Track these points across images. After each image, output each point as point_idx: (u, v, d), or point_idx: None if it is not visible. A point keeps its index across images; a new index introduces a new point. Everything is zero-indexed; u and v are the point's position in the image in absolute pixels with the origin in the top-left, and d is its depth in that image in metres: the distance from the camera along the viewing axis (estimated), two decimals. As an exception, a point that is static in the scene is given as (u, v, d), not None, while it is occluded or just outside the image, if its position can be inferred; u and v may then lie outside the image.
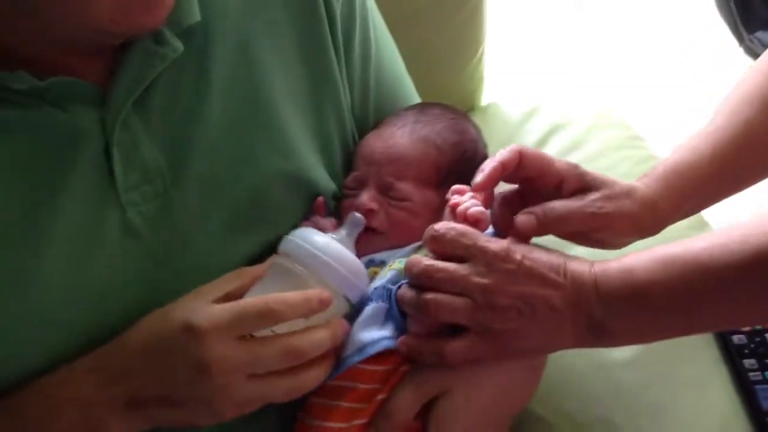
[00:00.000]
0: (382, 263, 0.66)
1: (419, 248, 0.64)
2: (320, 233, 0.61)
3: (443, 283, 0.57)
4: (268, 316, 0.54)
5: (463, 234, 0.58)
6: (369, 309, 0.61)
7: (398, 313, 0.60)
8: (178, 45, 0.58)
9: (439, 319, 0.58)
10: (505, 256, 0.57)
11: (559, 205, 0.61)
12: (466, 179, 0.70)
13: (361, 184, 0.69)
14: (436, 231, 0.59)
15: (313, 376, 0.57)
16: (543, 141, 1.10)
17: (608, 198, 0.62)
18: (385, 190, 0.68)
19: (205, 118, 0.60)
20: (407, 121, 0.70)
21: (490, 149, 1.07)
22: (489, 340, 0.57)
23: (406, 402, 0.60)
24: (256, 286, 0.59)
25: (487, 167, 0.60)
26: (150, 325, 0.56)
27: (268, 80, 0.64)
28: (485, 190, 0.61)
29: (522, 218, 0.60)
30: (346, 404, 0.60)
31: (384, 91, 0.75)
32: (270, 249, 0.64)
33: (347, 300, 0.61)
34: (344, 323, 0.59)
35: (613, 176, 1.04)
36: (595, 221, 0.61)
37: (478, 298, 0.56)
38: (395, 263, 0.64)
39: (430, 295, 0.57)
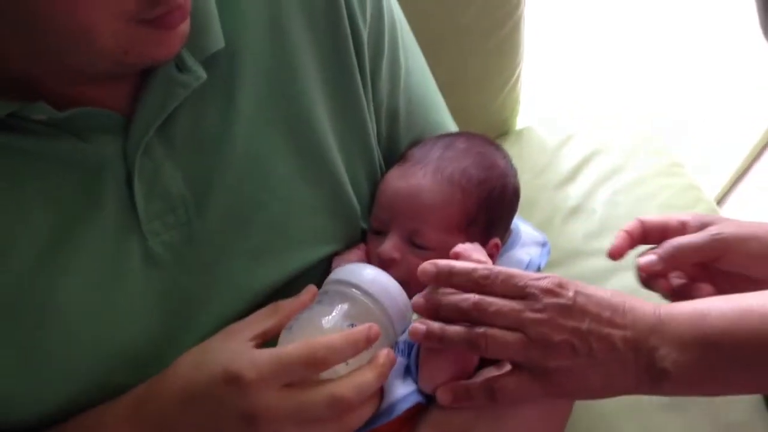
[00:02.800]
0: None
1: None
2: (370, 265, 0.60)
3: (496, 318, 0.54)
4: (314, 364, 0.52)
5: (512, 276, 0.56)
6: None
7: (415, 370, 0.58)
8: (202, 73, 0.57)
9: (489, 354, 0.55)
10: (558, 292, 0.54)
11: (677, 239, 0.63)
12: (496, 217, 0.67)
13: (385, 227, 0.67)
14: (483, 275, 0.56)
15: (359, 417, 0.55)
16: (580, 167, 1.08)
17: (725, 225, 0.63)
18: (408, 238, 0.65)
19: (230, 145, 0.59)
20: (431, 158, 0.67)
21: (525, 175, 1.05)
22: (542, 378, 0.54)
23: None
24: (307, 312, 0.57)
25: (615, 238, 0.66)
26: (185, 371, 0.54)
27: (298, 106, 0.63)
28: (618, 257, 0.66)
29: (642, 258, 0.64)
30: None
31: (414, 118, 0.73)
32: (294, 279, 0.62)
33: (394, 332, 0.59)
34: (392, 356, 0.56)
35: (652, 205, 1.04)
36: (713, 247, 0.62)
37: (532, 333, 0.53)
38: (415, 314, 0.61)
39: (481, 329, 0.54)
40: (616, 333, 0.53)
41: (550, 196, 1.04)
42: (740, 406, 0.78)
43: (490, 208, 0.66)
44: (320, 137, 0.64)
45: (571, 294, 0.54)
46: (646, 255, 0.64)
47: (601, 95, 1.70)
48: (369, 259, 0.66)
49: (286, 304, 0.59)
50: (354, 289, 0.58)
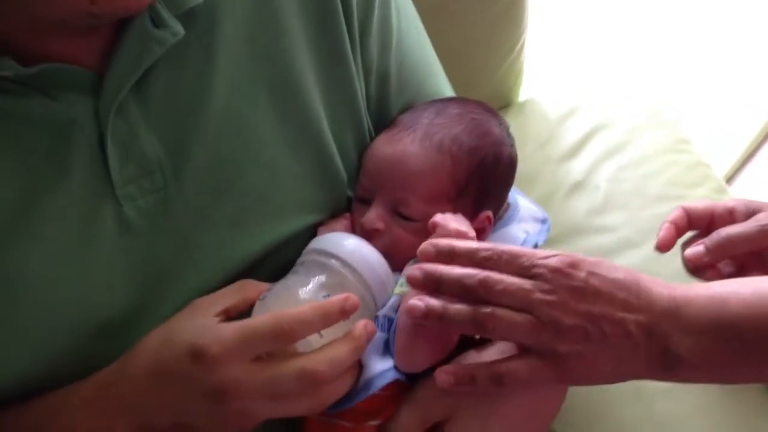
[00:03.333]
0: None
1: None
2: (352, 235, 0.58)
3: (503, 297, 0.51)
4: (282, 336, 0.49)
5: (519, 255, 0.52)
6: None
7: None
8: (179, 28, 0.54)
9: (495, 336, 0.52)
10: (569, 273, 0.51)
11: (725, 229, 0.61)
12: (488, 188, 0.63)
13: (370, 195, 0.63)
14: (486, 256, 0.53)
15: (333, 392, 0.52)
16: (583, 141, 1.04)
17: None
18: (393, 208, 0.62)
19: (209, 107, 0.57)
20: (420, 124, 0.64)
21: (526, 148, 1.03)
22: (552, 363, 0.51)
23: (408, 428, 0.56)
24: (281, 282, 0.55)
25: (660, 230, 0.64)
26: (152, 349, 0.52)
27: (281, 66, 0.60)
28: (667, 250, 0.64)
29: (689, 250, 0.62)
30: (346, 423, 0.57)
31: (406, 82, 0.69)
32: (274, 249, 0.60)
33: (375, 305, 0.56)
34: (371, 328, 0.54)
35: (658, 182, 1.01)
36: (763, 237, 0.60)
37: (542, 316, 0.50)
38: (396, 287, 0.58)
39: (488, 309, 0.51)
40: (630, 317, 0.50)
41: (552, 171, 1.01)
42: (743, 392, 0.75)
43: (482, 177, 0.63)
44: (305, 100, 0.61)
45: (583, 275, 0.51)
46: (693, 246, 0.62)
47: (608, 67, 1.66)
48: (354, 229, 0.63)
49: (255, 283, 0.56)
50: (333, 260, 0.55)
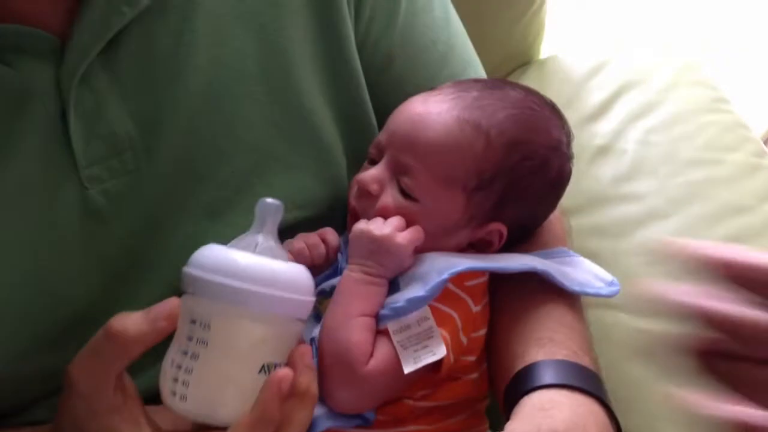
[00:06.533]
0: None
1: None
2: (226, 249, 0.46)
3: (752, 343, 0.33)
4: None
5: None
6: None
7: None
8: None
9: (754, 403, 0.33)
10: None
11: None
12: (519, 194, 0.54)
13: (379, 156, 0.56)
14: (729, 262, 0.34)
15: None
16: (610, 101, 0.98)
17: None
18: (397, 177, 0.54)
19: (185, 79, 0.52)
20: (467, 94, 0.55)
21: (548, 109, 0.97)
22: None
23: None
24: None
25: None
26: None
27: (271, 35, 0.54)
28: None
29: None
30: None
31: (412, 59, 0.61)
32: None
33: (299, 320, 0.47)
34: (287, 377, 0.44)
35: (690, 146, 0.93)
36: None
37: None
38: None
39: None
40: None
41: (575, 134, 0.91)
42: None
43: (515, 179, 0.54)
44: (299, 78, 0.55)
45: None
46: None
47: (639, 19, 1.59)
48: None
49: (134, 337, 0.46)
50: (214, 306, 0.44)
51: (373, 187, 0.53)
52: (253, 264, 0.44)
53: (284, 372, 0.43)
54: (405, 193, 0.53)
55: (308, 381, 0.45)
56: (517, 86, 0.58)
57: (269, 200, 0.46)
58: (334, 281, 0.53)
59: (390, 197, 0.53)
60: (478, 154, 0.53)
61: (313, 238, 0.56)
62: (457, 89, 0.56)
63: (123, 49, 0.50)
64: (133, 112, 0.51)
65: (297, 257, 0.54)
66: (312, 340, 0.51)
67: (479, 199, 0.53)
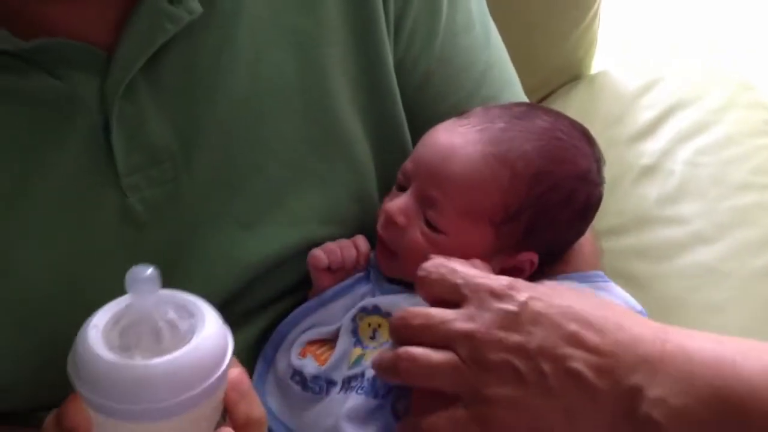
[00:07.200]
0: (377, 310, 0.53)
1: None
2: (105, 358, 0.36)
3: (421, 333, 0.43)
4: None
5: (453, 271, 0.45)
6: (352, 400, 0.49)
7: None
8: (195, 6, 0.50)
9: (412, 382, 0.44)
10: (503, 295, 0.43)
11: None
12: (548, 224, 0.54)
13: (407, 183, 0.56)
14: (422, 270, 0.46)
15: None
16: (661, 120, 0.97)
17: None
18: (424, 206, 0.54)
19: (226, 94, 0.53)
20: (492, 124, 0.55)
21: (595, 126, 0.91)
22: (477, 414, 0.42)
23: None
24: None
25: None
26: None
27: (311, 54, 0.55)
28: None
29: None
30: None
31: (450, 79, 0.61)
32: (289, 258, 0.56)
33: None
34: None
35: (741, 169, 0.92)
36: None
37: (462, 351, 0.42)
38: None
39: (401, 349, 0.43)
40: (578, 354, 0.41)
41: (620, 152, 0.93)
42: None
43: (541, 211, 0.53)
44: (336, 99, 0.56)
45: (521, 298, 0.42)
46: None
47: (694, 36, 1.56)
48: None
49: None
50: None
51: (400, 219, 0.54)
52: (136, 378, 0.35)
53: None
54: (431, 226, 0.54)
55: (245, 414, 0.39)
56: (546, 113, 0.58)
57: (136, 270, 0.38)
58: (375, 300, 0.54)
59: (418, 231, 0.54)
60: (503, 187, 0.53)
61: (345, 241, 0.57)
62: (485, 119, 0.56)
63: (165, 63, 0.51)
64: (173, 123, 0.52)
65: (329, 256, 0.55)
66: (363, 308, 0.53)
67: (507, 231, 0.53)
